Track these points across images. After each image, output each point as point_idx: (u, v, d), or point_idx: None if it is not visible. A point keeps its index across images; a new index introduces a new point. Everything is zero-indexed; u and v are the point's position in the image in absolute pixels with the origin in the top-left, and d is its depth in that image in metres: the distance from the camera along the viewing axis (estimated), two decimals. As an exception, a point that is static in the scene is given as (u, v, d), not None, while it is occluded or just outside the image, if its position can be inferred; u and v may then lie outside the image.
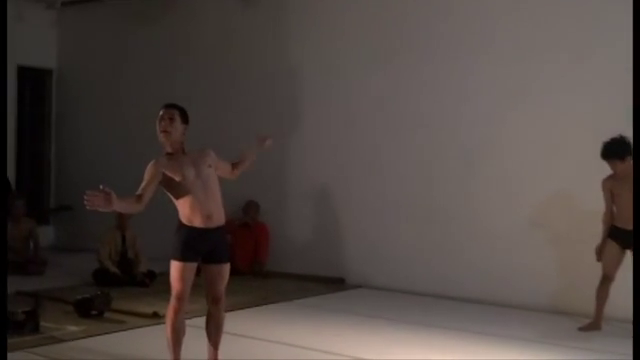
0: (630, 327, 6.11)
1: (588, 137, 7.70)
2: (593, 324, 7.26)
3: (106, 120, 12.39)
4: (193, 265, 5.27)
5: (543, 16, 8.46)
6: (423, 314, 8.00)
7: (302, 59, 10.31)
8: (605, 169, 7.15)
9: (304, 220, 10.22)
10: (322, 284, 9.49)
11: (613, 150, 7.04)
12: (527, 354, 6.48)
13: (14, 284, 8.51)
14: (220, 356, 5.52)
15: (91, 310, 7.35)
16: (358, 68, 9.75)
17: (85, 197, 4.67)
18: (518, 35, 8.60)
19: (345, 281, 9.66)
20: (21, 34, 12.13)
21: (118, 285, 8.85)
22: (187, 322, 5.40)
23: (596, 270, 7.29)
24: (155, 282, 9.07)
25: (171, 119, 5.25)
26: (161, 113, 5.29)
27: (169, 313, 5.28)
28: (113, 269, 9.25)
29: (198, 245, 5.25)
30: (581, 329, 7.30)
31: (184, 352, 5.35)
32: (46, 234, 12.20)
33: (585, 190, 7.89)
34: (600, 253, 7.26)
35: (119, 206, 4.90)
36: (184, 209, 5.26)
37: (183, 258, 5.22)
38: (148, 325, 7.07)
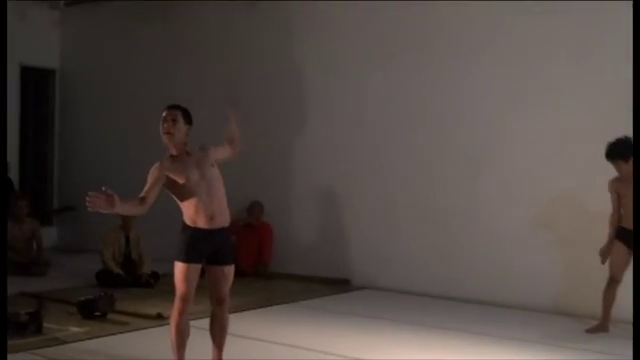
0: (638, 329, 6.07)
1: (592, 137, 7.66)
2: (600, 326, 7.22)
3: (109, 120, 12.38)
4: (197, 266, 5.26)
5: (546, 16, 8.42)
6: (427, 315, 7.97)
7: (305, 59, 10.29)
8: (609, 169, 7.12)
9: (308, 221, 10.19)
10: (326, 285, 9.46)
11: (617, 151, 7.02)
12: (531, 355, 6.45)
13: (17, 285, 8.54)
14: (224, 357, 5.50)
15: (94, 311, 7.33)
16: (362, 68, 9.72)
17: (87, 199, 4.65)
18: (521, 36, 8.58)
19: (350, 282, 9.63)
20: (24, 34, 12.13)
21: (122, 286, 8.83)
22: (191, 323, 5.38)
23: (601, 271, 7.24)
24: (159, 283, 9.05)
25: (174, 120, 5.23)
26: (164, 114, 5.27)
27: (173, 314, 5.27)
28: (117, 270, 9.22)
29: (202, 246, 5.23)
30: (588, 331, 7.26)
31: (188, 353, 5.32)
32: (49, 235, 12.18)
33: (589, 191, 7.88)
34: (605, 255, 7.22)
35: (121, 208, 4.89)
36: (188, 211, 5.25)
37: (187, 259, 5.20)
38: (152, 326, 7.04)
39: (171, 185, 5.22)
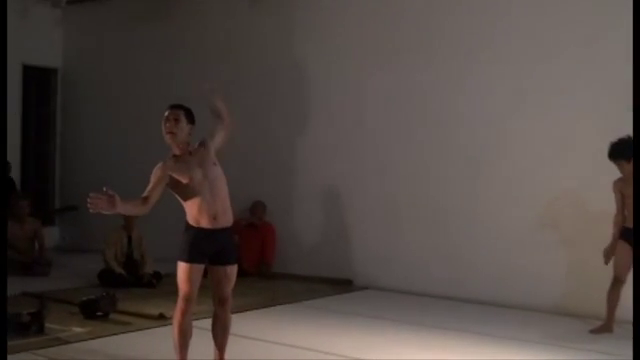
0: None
1: (595, 137, 7.66)
2: (605, 326, 7.20)
3: (112, 119, 12.36)
4: (200, 267, 5.25)
5: (552, 15, 8.40)
6: (429, 315, 7.95)
7: (307, 59, 10.27)
8: (611, 169, 7.11)
9: (311, 221, 10.17)
10: (329, 286, 9.43)
11: (619, 151, 7.00)
12: (532, 355, 6.45)
13: (19, 285, 8.54)
14: (226, 357, 5.48)
15: (97, 311, 7.32)
16: (365, 67, 9.70)
17: (88, 200, 4.64)
18: (525, 34, 8.56)
19: (352, 283, 9.60)
20: (26, 33, 12.13)
21: (124, 286, 8.81)
22: (193, 323, 5.35)
23: (604, 272, 7.22)
24: (161, 283, 9.04)
25: (176, 120, 5.22)
26: (166, 114, 5.26)
27: (176, 314, 5.25)
28: (119, 270, 9.20)
29: (205, 246, 5.22)
30: (592, 331, 7.24)
31: (190, 354, 5.31)
32: (51, 235, 12.17)
33: (591, 191, 7.87)
34: (609, 255, 7.19)
35: (123, 208, 4.88)
36: (192, 210, 5.23)
37: (190, 259, 5.19)
38: (154, 327, 7.02)
39: (174, 185, 5.20)
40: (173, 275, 5.36)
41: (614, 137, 7.07)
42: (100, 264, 9.36)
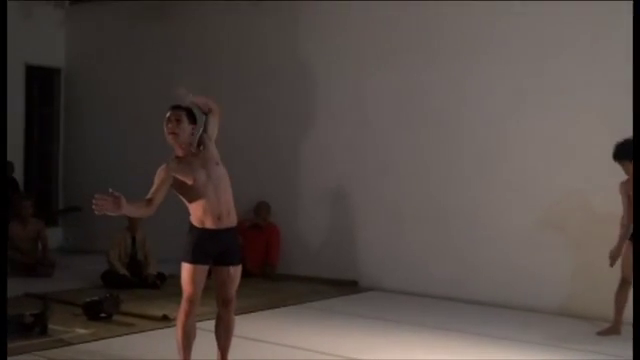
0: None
1: (601, 138, 7.61)
2: (612, 328, 7.15)
3: (115, 119, 12.34)
4: (204, 268, 5.23)
5: (559, 15, 8.36)
6: (431, 316, 7.94)
7: (310, 59, 10.25)
8: (618, 170, 7.07)
9: (316, 221, 10.13)
10: (334, 287, 9.40)
11: (624, 151, 6.97)
12: (538, 356, 6.43)
13: (22, 286, 8.54)
14: (229, 359, 5.44)
15: (100, 313, 7.29)
16: (370, 67, 9.66)
17: (93, 202, 4.60)
18: (533, 34, 8.53)
19: (358, 284, 9.56)
20: (29, 33, 12.12)
21: (127, 287, 8.79)
22: (197, 325, 5.32)
23: (610, 273, 7.17)
24: (165, 284, 9.00)
25: (178, 120, 5.19)
26: (168, 115, 5.24)
27: (180, 316, 5.23)
28: (123, 271, 9.17)
29: (209, 247, 5.20)
30: (600, 333, 7.20)
31: (193, 355, 5.28)
32: (54, 235, 12.14)
33: (599, 192, 7.83)
34: (614, 257, 7.13)
35: (128, 210, 4.84)
36: (196, 211, 5.21)
37: (194, 260, 5.17)
38: (158, 328, 7.00)
39: (179, 186, 5.18)
40: (177, 276, 5.33)
41: (621, 138, 7.02)
42: (103, 265, 9.34)
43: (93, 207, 4.62)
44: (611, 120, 7.75)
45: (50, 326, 6.70)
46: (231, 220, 5.28)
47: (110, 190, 4.67)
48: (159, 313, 7.33)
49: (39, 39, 12.49)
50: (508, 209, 8.61)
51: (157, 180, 5.12)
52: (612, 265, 7.11)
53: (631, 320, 7.04)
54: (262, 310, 8.03)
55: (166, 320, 7.06)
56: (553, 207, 8.29)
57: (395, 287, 9.19)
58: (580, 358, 6.43)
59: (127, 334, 6.84)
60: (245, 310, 7.42)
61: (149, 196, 5.05)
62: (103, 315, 7.28)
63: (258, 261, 10.00)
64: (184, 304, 5.18)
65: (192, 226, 5.24)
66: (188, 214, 5.28)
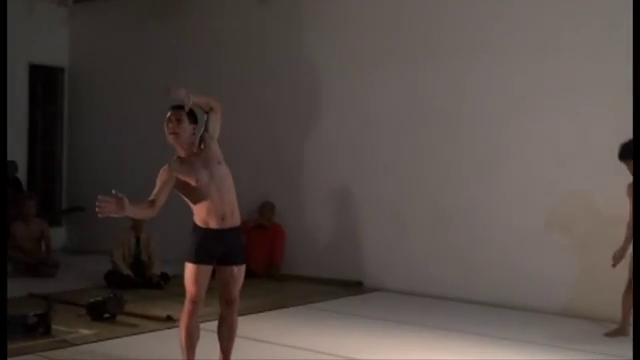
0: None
1: (607, 138, 7.56)
2: (620, 329, 7.10)
3: (119, 119, 12.32)
4: (208, 268, 5.21)
5: (563, 16, 8.33)
6: (439, 318, 7.89)
7: (319, 58, 10.21)
8: (624, 171, 7.01)
9: (320, 221, 10.10)
10: (339, 287, 9.35)
11: (629, 151, 6.91)
12: (541, 357, 6.41)
13: (26, 286, 8.54)
14: (231, 360, 5.44)
15: (104, 313, 7.28)
16: (377, 67, 9.62)
17: (97, 204, 4.57)
18: (537, 35, 8.48)
19: (362, 284, 9.52)
20: (33, 32, 12.12)
21: (131, 287, 8.76)
22: (201, 325, 5.30)
23: (617, 275, 7.11)
24: (169, 284, 8.98)
25: (178, 120, 5.15)
26: (168, 115, 5.21)
27: (183, 316, 5.21)
28: (126, 271, 9.15)
29: (213, 247, 5.18)
30: (607, 334, 7.15)
31: (197, 356, 5.26)
32: (58, 235, 12.13)
33: (605, 193, 7.78)
34: (618, 259, 7.07)
35: (131, 211, 4.83)
36: (200, 212, 5.19)
37: (198, 261, 5.15)
38: (161, 329, 6.98)
39: (182, 187, 5.15)
40: (181, 276, 5.31)
41: (625, 137, 6.98)
42: (107, 265, 9.32)
43: (96, 209, 4.60)
44: (616, 119, 7.69)
45: (54, 326, 6.68)
46: (235, 220, 5.26)
47: (113, 191, 4.66)
48: (163, 313, 7.31)
49: (43, 38, 12.49)
50: (511, 210, 8.56)
51: (159, 181, 5.09)
52: (614, 266, 7.06)
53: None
54: (266, 311, 7.99)
55: (170, 320, 7.04)
56: (557, 208, 8.25)
57: (399, 288, 9.15)
58: (580, 358, 6.41)
59: (131, 335, 6.82)
60: (249, 311, 7.40)
61: (152, 197, 5.03)
62: (107, 315, 7.26)
63: (262, 261, 9.97)
64: (187, 304, 5.17)
65: (196, 226, 5.22)
66: (192, 214, 5.25)
